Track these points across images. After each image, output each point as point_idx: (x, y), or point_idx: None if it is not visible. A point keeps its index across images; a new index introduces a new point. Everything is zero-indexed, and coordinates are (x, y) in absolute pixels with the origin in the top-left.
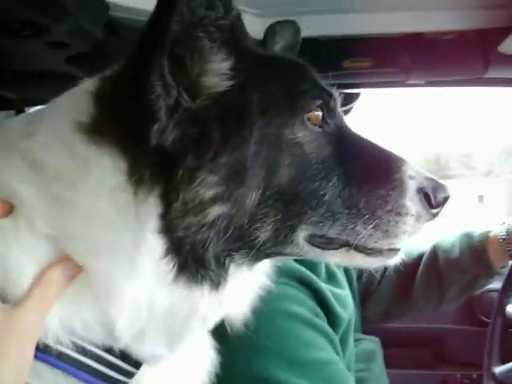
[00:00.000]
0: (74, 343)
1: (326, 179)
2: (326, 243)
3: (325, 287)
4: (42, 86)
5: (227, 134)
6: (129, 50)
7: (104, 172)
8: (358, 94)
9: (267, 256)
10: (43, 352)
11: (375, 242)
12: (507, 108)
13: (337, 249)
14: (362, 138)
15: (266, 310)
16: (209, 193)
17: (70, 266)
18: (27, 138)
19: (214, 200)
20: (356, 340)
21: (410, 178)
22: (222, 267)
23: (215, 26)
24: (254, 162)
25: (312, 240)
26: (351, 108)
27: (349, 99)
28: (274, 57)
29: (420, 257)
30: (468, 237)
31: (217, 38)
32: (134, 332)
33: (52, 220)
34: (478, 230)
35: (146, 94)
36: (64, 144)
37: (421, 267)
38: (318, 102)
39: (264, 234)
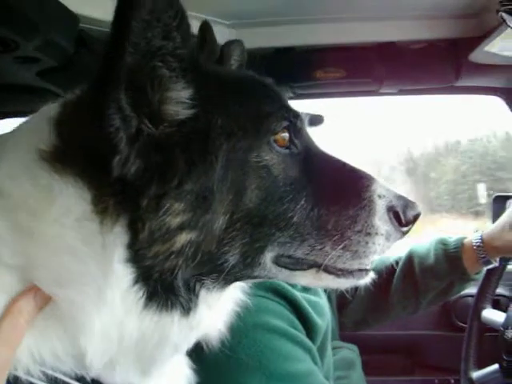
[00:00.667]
0: (44, 374)
1: (294, 201)
2: (294, 263)
3: (301, 297)
4: (13, 99)
5: (192, 161)
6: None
7: (68, 201)
8: (321, 119)
9: (237, 279)
10: None
11: (344, 263)
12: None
13: (305, 269)
14: (331, 157)
15: (242, 324)
16: (175, 220)
17: (39, 295)
18: None
19: (182, 228)
20: (334, 348)
21: (380, 197)
22: (192, 293)
23: (173, 55)
24: (221, 187)
25: (279, 261)
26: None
27: (312, 123)
28: (238, 78)
29: (395, 263)
30: (443, 243)
31: (175, 67)
32: (105, 361)
33: (18, 250)
34: (452, 236)
35: (105, 128)
36: (27, 173)
37: (396, 274)
38: (284, 124)
39: (232, 257)
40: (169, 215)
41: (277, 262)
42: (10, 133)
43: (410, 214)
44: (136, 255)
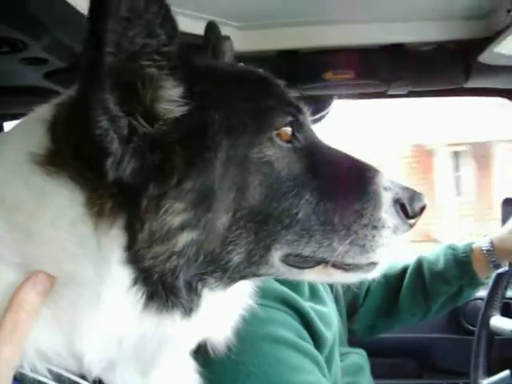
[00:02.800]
0: (49, 370)
1: (298, 196)
2: (302, 262)
3: (309, 307)
4: (20, 101)
5: (190, 158)
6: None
7: (61, 204)
8: (330, 100)
9: (242, 278)
10: (20, 381)
11: (353, 258)
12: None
13: (313, 267)
14: (335, 151)
15: (250, 335)
16: (176, 220)
17: (39, 280)
18: None
19: (183, 227)
20: (342, 354)
21: (386, 189)
22: (194, 293)
23: (159, 53)
24: (222, 185)
25: (287, 260)
26: (325, 114)
27: (322, 106)
28: (236, 72)
29: (405, 269)
30: (452, 248)
31: (163, 65)
32: (104, 363)
33: (17, 248)
34: (461, 241)
35: (93, 130)
36: (19, 176)
37: (406, 280)
38: (287, 119)
39: (237, 256)
40: (169, 215)
41: (285, 260)
42: (3, 135)
43: (417, 205)
44: (135, 256)
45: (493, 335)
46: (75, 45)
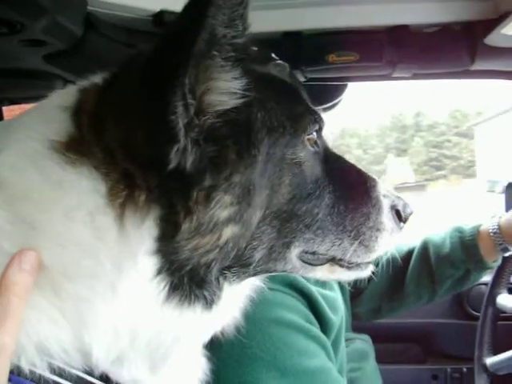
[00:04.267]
0: (51, 365)
1: (320, 198)
2: (315, 260)
3: (315, 291)
4: (20, 84)
5: (241, 153)
6: (119, 59)
7: (80, 194)
8: (344, 87)
9: (257, 274)
10: (18, 375)
11: (358, 257)
12: None
13: (323, 264)
14: (342, 158)
15: (257, 318)
16: (224, 213)
17: (26, 259)
18: None
19: (228, 221)
20: (347, 340)
21: (384, 196)
22: (217, 286)
23: (230, 44)
24: (261, 182)
25: (303, 257)
26: (337, 102)
27: (334, 93)
28: (269, 76)
29: (410, 252)
30: (458, 231)
31: (230, 56)
32: (113, 358)
33: (20, 241)
34: (468, 224)
35: (167, 115)
36: (35, 164)
37: (411, 263)
38: (316, 125)
39: (259, 253)
40: (218, 208)
41: (301, 257)
42: (15, 120)
43: (408, 212)
44: (170, 247)
45: (498, 313)
46: (74, 27)
